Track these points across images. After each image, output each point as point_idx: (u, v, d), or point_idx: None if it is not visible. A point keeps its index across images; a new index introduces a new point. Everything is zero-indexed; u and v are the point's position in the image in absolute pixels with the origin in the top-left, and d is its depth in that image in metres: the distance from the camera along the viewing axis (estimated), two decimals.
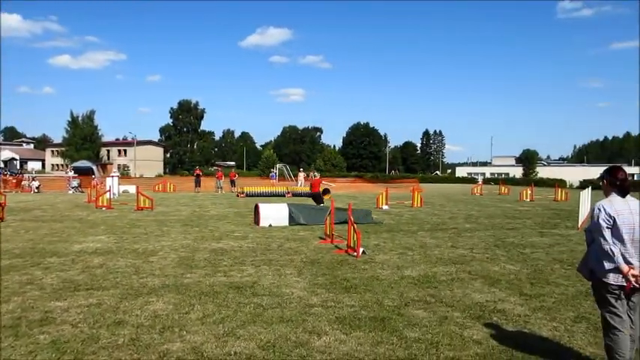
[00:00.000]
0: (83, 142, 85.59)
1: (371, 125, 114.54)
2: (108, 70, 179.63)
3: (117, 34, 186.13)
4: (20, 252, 9.57)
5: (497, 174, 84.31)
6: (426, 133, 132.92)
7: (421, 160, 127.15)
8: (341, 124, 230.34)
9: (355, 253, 9.30)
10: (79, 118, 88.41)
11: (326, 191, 29.67)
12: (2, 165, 77.32)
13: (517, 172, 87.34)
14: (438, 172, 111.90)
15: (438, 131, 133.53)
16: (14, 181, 37.91)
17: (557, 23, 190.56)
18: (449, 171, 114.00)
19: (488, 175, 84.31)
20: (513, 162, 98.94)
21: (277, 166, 61.40)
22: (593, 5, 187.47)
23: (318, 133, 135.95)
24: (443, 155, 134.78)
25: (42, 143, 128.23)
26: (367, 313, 5.69)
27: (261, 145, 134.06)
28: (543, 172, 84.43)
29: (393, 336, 4.93)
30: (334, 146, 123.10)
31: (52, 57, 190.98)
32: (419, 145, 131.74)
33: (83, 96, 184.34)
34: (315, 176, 19.88)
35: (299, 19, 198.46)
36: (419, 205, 22.17)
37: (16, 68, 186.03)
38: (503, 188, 37.54)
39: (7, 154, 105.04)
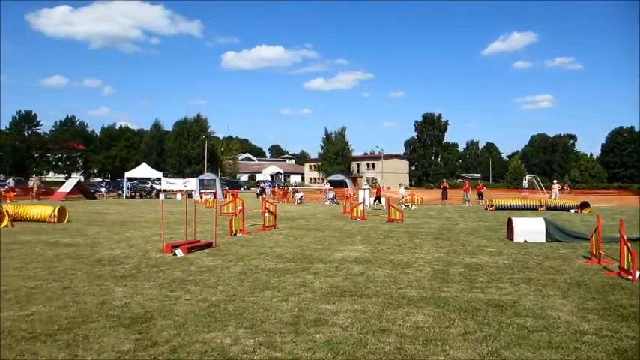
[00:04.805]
0: (336, 157, 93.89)
1: (637, 129, 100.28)
2: (356, 89, 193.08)
3: (364, 55, 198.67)
4: (292, 257, 10.75)
5: None
6: None
7: None
8: (599, 130, 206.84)
9: (630, 277, 8.23)
10: (332, 135, 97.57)
11: (585, 204, 27.12)
12: (270, 179, 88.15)
13: None
14: None
15: None
16: (281, 192, 42.92)
17: None
18: None
19: None
20: None
21: (526, 177, 57.81)
22: None
23: (572, 141, 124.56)
24: None
25: (301, 159, 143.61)
26: None
27: (508, 156, 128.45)
28: None
29: None
30: (591, 155, 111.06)
31: (307, 81, 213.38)
32: None
33: (335, 114, 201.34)
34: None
35: (545, 21, 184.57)
36: None
37: (279, 93, 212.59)
38: None
39: (273, 168, 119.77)
